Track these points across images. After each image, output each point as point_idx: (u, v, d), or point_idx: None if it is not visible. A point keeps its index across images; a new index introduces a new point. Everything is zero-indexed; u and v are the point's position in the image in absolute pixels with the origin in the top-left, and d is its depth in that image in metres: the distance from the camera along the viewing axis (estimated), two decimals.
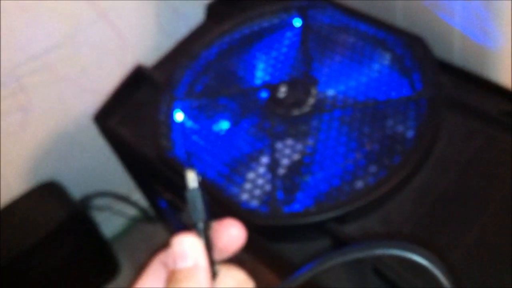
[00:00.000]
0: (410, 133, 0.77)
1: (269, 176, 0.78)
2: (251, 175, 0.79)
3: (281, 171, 0.78)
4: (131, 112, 0.98)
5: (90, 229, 1.31)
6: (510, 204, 0.72)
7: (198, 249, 0.40)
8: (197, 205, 0.41)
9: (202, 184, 0.41)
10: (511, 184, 0.73)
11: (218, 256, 0.41)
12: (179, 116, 0.89)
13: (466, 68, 0.86)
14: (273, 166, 0.78)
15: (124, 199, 1.37)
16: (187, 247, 0.39)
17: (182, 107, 0.89)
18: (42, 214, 1.21)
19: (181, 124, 0.88)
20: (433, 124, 0.76)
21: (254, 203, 0.76)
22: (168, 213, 1.08)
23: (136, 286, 0.41)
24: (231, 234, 0.41)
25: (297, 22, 0.95)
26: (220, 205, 0.75)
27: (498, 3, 0.75)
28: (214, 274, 0.40)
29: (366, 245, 0.40)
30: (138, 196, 1.37)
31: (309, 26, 0.93)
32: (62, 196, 1.25)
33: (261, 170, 0.79)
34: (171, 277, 0.39)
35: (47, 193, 1.24)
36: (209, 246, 0.40)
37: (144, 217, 1.44)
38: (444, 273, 0.39)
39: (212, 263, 0.40)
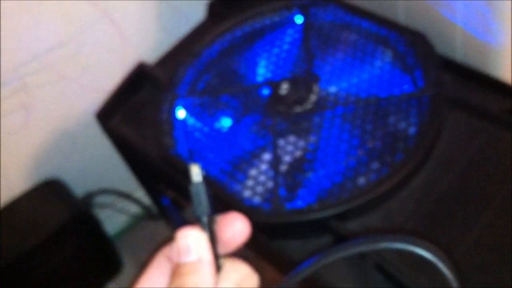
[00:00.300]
0: (412, 130, 0.77)
1: (271, 173, 0.77)
2: (253, 172, 0.78)
3: (283, 168, 0.78)
4: (133, 110, 0.98)
5: (93, 227, 1.31)
6: (511, 203, 0.71)
7: (203, 243, 0.39)
8: (201, 199, 0.41)
9: (205, 179, 0.41)
10: None
11: (222, 250, 0.41)
12: (181, 114, 0.88)
13: (468, 65, 0.85)
14: (275, 163, 0.78)
15: (127, 196, 1.37)
16: (191, 242, 0.39)
17: (184, 105, 0.89)
18: (45, 212, 1.20)
19: (183, 122, 0.87)
20: (435, 121, 0.76)
21: (257, 200, 0.76)
22: (171, 211, 1.07)
23: (141, 280, 0.41)
24: (236, 228, 0.41)
25: (299, 20, 0.94)
26: (222, 202, 0.74)
27: (500, 1, 0.75)
28: (218, 268, 0.40)
29: (370, 238, 0.40)
30: (140, 193, 1.37)
31: (310, 23, 0.93)
32: (65, 194, 1.24)
33: (264, 167, 0.78)
34: (176, 271, 0.39)
35: (50, 191, 1.24)
36: (213, 240, 0.40)
37: (147, 215, 1.44)
38: (449, 266, 0.39)
39: (217, 257, 0.40)
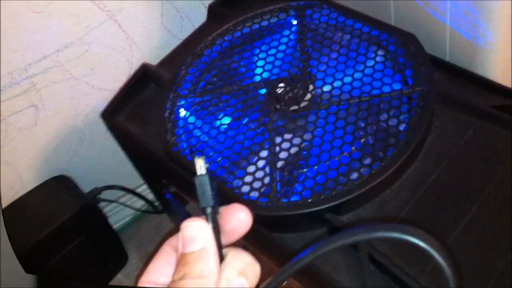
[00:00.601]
0: (403, 126, 0.77)
1: (268, 169, 0.78)
2: (251, 168, 0.79)
3: (280, 164, 0.78)
4: (137, 108, 0.99)
5: (100, 219, 1.32)
6: (500, 193, 0.72)
7: (207, 233, 0.40)
8: (205, 191, 0.41)
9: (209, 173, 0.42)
10: (500, 172, 0.73)
11: (225, 240, 0.42)
12: (183, 112, 0.89)
13: (457, 64, 0.85)
14: (272, 160, 0.78)
15: (131, 191, 1.37)
16: (196, 232, 0.40)
17: (186, 104, 0.89)
18: (54, 205, 1.21)
19: (185, 120, 0.88)
20: (425, 117, 0.76)
21: (254, 194, 0.76)
22: (174, 205, 1.08)
23: (148, 270, 0.41)
24: (239, 218, 0.41)
25: (295, 22, 0.94)
26: (222, 196, 0.74)
27: (487, 2, 0.75)
28: (221, 257, 0.40)
29: (366, 228, 0.40)
30: (143, 188, 1.37)
31: (306, 25, 0.93)
32: (73, 188, 1.25)
33: (261, 163, 0.79)
34: (181, 260, 0.39)
35: (58, 186, 1.24)
36: (217, 230, 0.41)
37: (151, 209, 1.44)
38: (443, 255, 0.39)
39: (220, 246, 0.41)
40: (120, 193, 1.38)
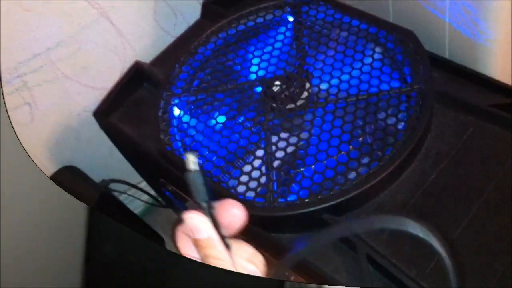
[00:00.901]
0: (401, 125, 0.76)
1: (264, 168, 0.77)
2: (247, 168, 0.78)
3: (276, 163, 0.77)
4: (130, 107, 0.98)
5: (121, 205, 1.31)
6: (500, 192, 0.71)
7: (208, 225, 0.42)
8: (198, 187, 0.42)
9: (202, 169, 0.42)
10: (500, 172, 0.73)
11: (224, 233, 0.44)
12: (177, 111, 0.87)
13: (456, 62, 0.85)
14: (268, 159, 0.77)
15: (135, 186, 1.36)
16: (198, 223, 0.42)
17: (180, 103, 0.88)
18: (74, 192, 1.19)
19: (179, 119, 0.87)
20: (424, 116, 0.75)
21: (250, 194, 0.75)
22: (174, 202, 1.07)
23: (180, 248, 0.44)
24: (233, 213, 0.43)
25: (291, 19, 0.93)
26: (217, 197, 0.74)
27: (487, 0, 0.74)
28: (227, 246, 0.42)
29: (365, 219, 0.40)
30: (144, 183, 1.36)
31: (302, 22, 0.92)
32: (85, 177, 1.23)
33: (257, 163, 0.78)
34: (197, 244, 0.43)
35: (72, 175, 1.22)
36: (214, 223, 0.42)
37: (157, 203, 1.43)
38: (442, 243, 0.38)
39: (222, 237, 0.42)
40: (126, 186, 1.37)
